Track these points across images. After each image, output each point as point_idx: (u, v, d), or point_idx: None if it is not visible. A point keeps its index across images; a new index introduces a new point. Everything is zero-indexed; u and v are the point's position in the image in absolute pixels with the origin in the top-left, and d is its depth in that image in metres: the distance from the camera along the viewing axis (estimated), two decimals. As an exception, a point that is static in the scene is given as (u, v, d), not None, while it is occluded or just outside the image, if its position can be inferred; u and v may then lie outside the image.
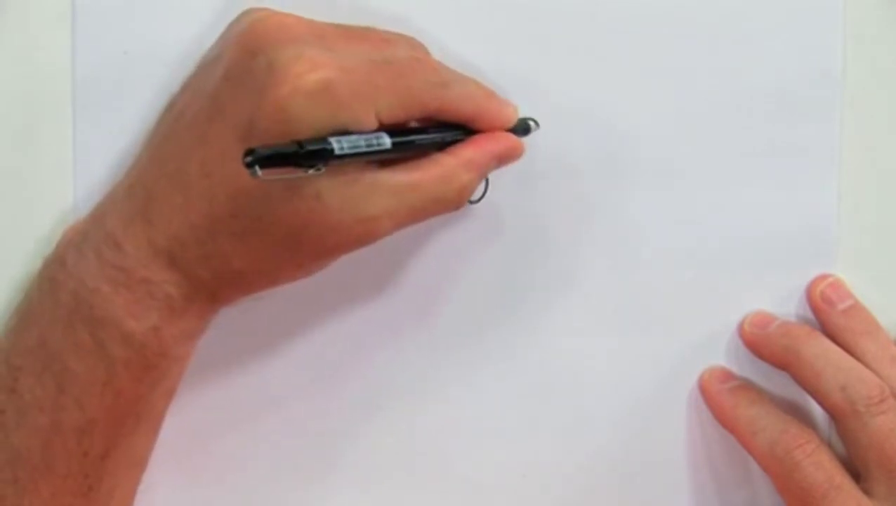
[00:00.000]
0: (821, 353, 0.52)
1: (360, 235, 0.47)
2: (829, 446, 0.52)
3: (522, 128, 0.52)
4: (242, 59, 0.46)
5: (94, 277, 0.47)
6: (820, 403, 0.52)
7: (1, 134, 0.53)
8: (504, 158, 0.50)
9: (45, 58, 0.52)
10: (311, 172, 0.44)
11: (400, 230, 0.48)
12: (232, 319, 0.52)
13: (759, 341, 0.54)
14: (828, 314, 0.54)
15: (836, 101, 0.54)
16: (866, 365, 0.52)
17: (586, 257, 0.54)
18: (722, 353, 0.55)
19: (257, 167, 0.42)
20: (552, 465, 0.55)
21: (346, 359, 0.54)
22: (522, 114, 0.52)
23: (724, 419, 0.53)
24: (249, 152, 0.42)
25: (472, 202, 0.53)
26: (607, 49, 0.54)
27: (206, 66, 0.50)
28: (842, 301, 0.54)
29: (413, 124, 0.49)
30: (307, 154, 0.44)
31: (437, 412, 0.54)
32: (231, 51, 0.47)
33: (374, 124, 0.46)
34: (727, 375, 0.54)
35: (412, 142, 0.48)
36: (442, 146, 0.49)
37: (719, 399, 0.54)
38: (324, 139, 0.44)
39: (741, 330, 0.54)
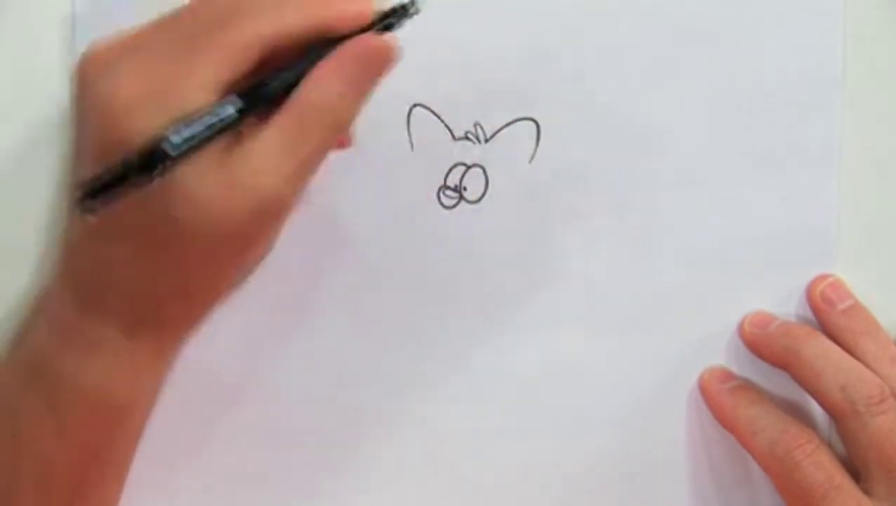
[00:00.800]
0: (821, 353, 0.52)
1: (259, 205, 0.44)
2: (829, 446, 0.52)
3: (404, 10, 0.47)
4: (77, 109, 0.47)
5: (41, 335, 0.48)
6: (820, 403, 0.52)
7: (1, 134, 0.53)
8: (373, 62, 0.45)
9: (45, 58, 0.52)
10: (155, 178, 0.42)
11: (304, 181, 0.45)
12: (231, 320, 0.52)
13: (759, 341, 0.54)
14: (828, 314, 0.54)
15: (836, 101, 0.54)
16: (866, 365, 0.52)
17: (586, 257, 0.54)
18: (722, 353, 0.55)
19: (92, 202, 0.41)
20: (552, 465, 0.55)
21: (344, 359, 0.54)
22: (523, 113, 0.52)
23: (724, 419, 0.53)
24: (83, 194, 0.41)
25: (472, 202, 0.54)
26: (607, 49, 0.54)
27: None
28: (842, 301, 0.54)
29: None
30: (142, 165, 0.41)
31: (437, 412, 0.54)
32: (72, 104, 0.48)
33: (212, 94, 0.43)
34: (727, 376, 0.54)
35: (265, 92, 0.44)
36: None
37: (719, 399, 0.54)
38: (153, 141, 0.42)
39: (741, 330, 0.54)
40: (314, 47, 0.45)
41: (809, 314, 0.54)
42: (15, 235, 0.53)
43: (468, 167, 0.54)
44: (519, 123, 0.54)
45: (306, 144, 0.44)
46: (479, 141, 0.54)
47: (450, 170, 0.53)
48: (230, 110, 0.43)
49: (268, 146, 0.44)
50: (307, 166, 0.45)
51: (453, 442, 0.55)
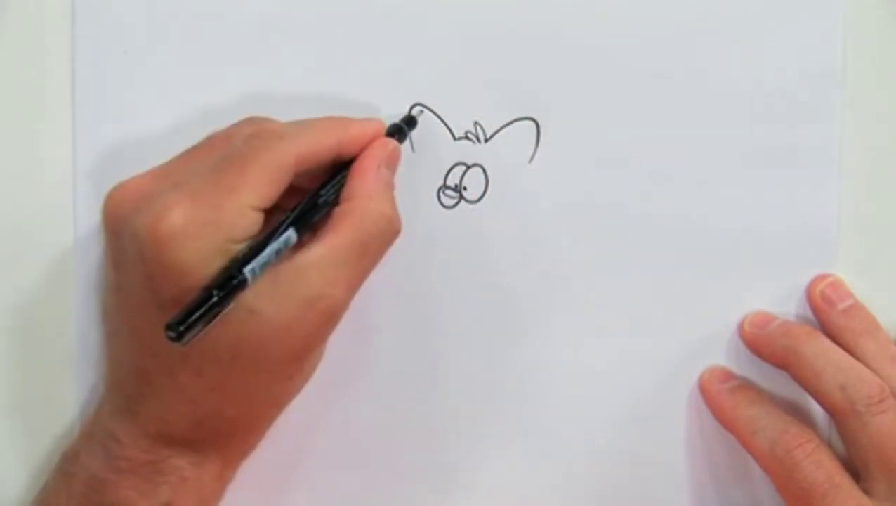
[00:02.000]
0: (821, 352, 0.52)
1: (318, 319, 0.46)
2: (829, 445, 0.52)
3: (407, 122, 0.52)
4: (115, 244, 0.48)
5: (103, 468, 0.48)
6: (820, 402, 0.52)
7: (1, 134, 0.53)
8: (391, 162, 0.50)
9: (45, 58, 0.52)
10: (230, 304, 0.44)
11: (358, 288, 0.48)
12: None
13: (759, 341, 0.54)
14: (828, 314, 0.54)
15: (836, 101, 0.54)
16: (866, 365, 0.52)
17: (586, 257, 0.54)
18: (722, 353, 0.55)
19: (185, 334, 0.43)
20: (552, 464, 0.55)
21: (342, 359, 0.54)
22: (523, 113, 0.52)
23: (724, 419, 0.53)
24: (170, 327, 0.42)
25: (472, 202, 0.54)
26: (607, 49, 0.54)
27: (106, 263, 0.51)
28: (842, 301, 0.54)
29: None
30: (222, 297, 0.44)
31: (436, 413, 0.54)
32: (107, 242, 0.50)
33: (253, 216, 0.46)
34: (727, 375, 0.54)
35: (310, 210, 0.48)
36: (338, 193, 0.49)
37: (719, 399, 0.54)
38: (229, 273, 0.44)
39: (741, 330, 0.54)
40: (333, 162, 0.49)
41: (809, 314, 0.54)
42: (15, 235, 0.53)
43: (468, 167, 0.54)
44: (519, 123, 0.54)
45: (362, 254, 0.47)
46: (479, 141, 0.54)
47: (450, 169, 0.53)
48: (292, 235, 0.47)
49: (330, 259, 0.46)
50: (361, 277, 0.48)
51: (452, 442, 0.54)
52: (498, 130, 0.54)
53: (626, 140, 0.54)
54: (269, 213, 0.47)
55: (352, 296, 0.47)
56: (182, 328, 0.43)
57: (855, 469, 0.51)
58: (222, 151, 0.48)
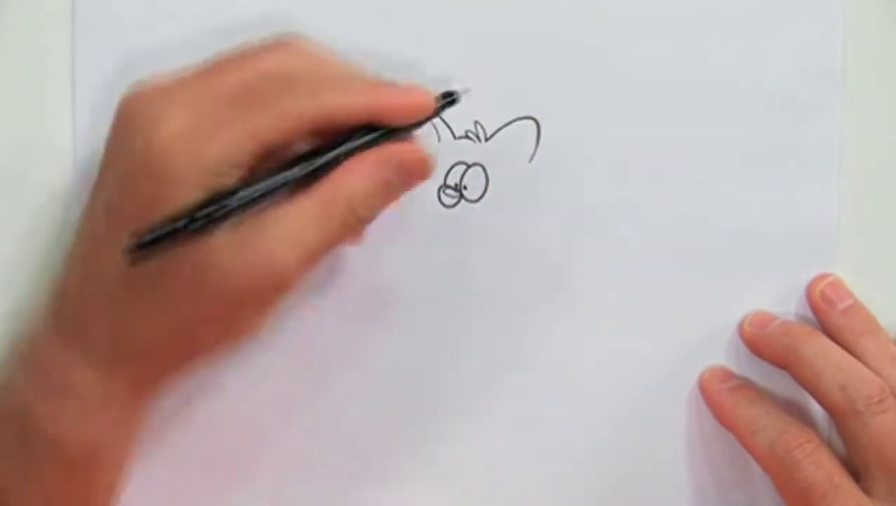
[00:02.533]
0: (821, 352, 0.52)
1: (264, 274, 0.44)
2: (829, 445, 0.52)
3: (448, 102, 0.48)
4: (112, 144, 0.47)
5: (20, 379, 0.48)
6: (820, 402, 0.52)
7: (1, 134, 0.53)
8: (408, 174, 0.47)
9: (45, 58, 0.52)
10: (201, 232, 0.43)
11: (316, 261, 0.45)
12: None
13: (759, 341, 0.54)
14: (828, 314, 0.54)
15: (836, 101, 0.54)
16: (866, 364, 0.52)
17: (585, 257, 0.54)
18: (722, 353, 0.55)
19: (139, 260, 0.42)
20: (552, 464, 0.55)
21: (341, 359, 0.54)
22: (523, 113, 0.52)
23: (724, 419, 0.53)
24: (132, 241, 0.42)
25: (472, 202, 0.54)
26: (607, 49, 0.54)
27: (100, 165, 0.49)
28: (841, 301, 0.54)
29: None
30: (196, 226, 0.43)
31: (435, 413, 0.54)
32: (108, 139, 0.48)
33: (244, 157, 0.44)
34: (727, 375, 0.54)
35: (318, 166, 0.46)
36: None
37: (719, 399, 0.54)
38: (210, 204, 0.43)
39: (741, 330, 0.54)
40: (359, 131, 0.46)
41: (809, 314, 0.54)
42: (15, 234, 0.53)
43: (468, 166, 0.54)
44: (519, 123, 0.54)
45: (324, 235, 0.45)
46: (479, 140, 0.54)
47: (450, 169, 0.53)
48: (280, 182, 0.45)
49: (289, 226, 0.44)
50: (318, 256, 0.45)
51: (451, 441, 0.54)
52: (498, 130, 0.54)
53: (626, 140, 0.54)
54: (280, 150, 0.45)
55: (297, 274, 0.45)
56: (140, 246, 0.42)
57: (855, 469, 0.51)
58: (245, 75, 0.45)
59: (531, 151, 0.54)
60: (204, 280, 0.44)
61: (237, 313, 0.46)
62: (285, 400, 0.54)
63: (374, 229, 0.53)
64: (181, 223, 0.43)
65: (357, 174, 0.46)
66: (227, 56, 0.47)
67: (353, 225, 0.46)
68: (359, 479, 0.54)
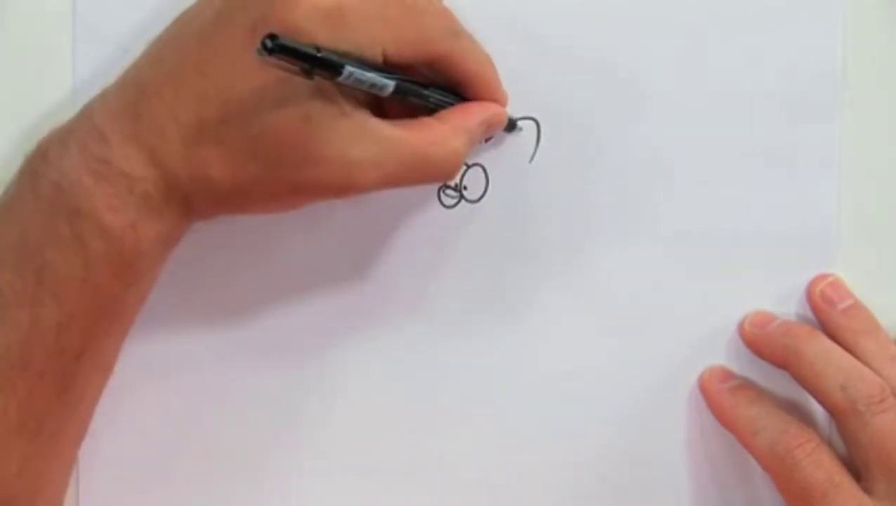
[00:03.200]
0: (821, 352, 0.52)
1: (340, 177, 0.46)
2: (830, 445, 0.52)
3: (511, 124, 0.53)
4: None
5: (77, 168, 0.47)
6: (820, 402, 0.52)
7: (2, 134, 0.53)
8: (492, 127, 0.51)
9: (45, 58, 0.52)
10: (315, 75, 0.43)
11: (385, 189, 0.47)
12: (229, 316, 0.52)
13: (760, 341, 0.54)
14: (828, 314, 0.54)
15: (836, 101, 0.54)
16: (866, 364, 0.52)
17: (586, 257, 0.54)
18: (722, 353, 0.55)
19: (274, 52, 0.42)
20: (551, 465, 0.55)
21: (340, 358, 0.54)
22: (523, 113, 0.52)
23: (724, 419, 0.53)
24: (271, 36, 0.41)
25: (472, 202, 0.54)
26: (607, 49, 0.54)
27: None
28: (842, 300, 0.54)
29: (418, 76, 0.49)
30: (319, 61, 0.43)
31: (435, 412, 0.54)
32: None
33: (378, 57, 0.46)
34: (727, 375, 0.54)
35: (413, 92, 0.48)
36: (434, 112, 0.49)
37: (719, 399, 0.54)
38: (339, 55, 0.44)
39: (741, 329, 0.54)
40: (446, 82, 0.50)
41: (809, 314, 0.54)
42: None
43: (468, 166, 0.54)
44: (519, 123, 0.54)
45: (413, 163, 0.48)
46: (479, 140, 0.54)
47: (450, 169, 0.53)
48: (390, 86, 0.46)
49: (383, 139, 0.47)
50: (395, 182, 0.48)
51: (452, 442, 0.54)
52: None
53: (626, 140, 0.54)
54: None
55: (377, 188, 0.47)
56: (276, 46, 0.42)
57: (855, 469, 0.51)
58: None
59: (531, 151, 0.54)
60: (291, 154, 0.46)
61: (300, 194, 0.47)
62: (284, 400, 0.54)
63: (374, 229, 0.53)
64: (312, 50, 0.43)
65: (463, 131, 0.49)
66: None
67: (443, 174, 0.49)
68: (358, 478, 0.54)
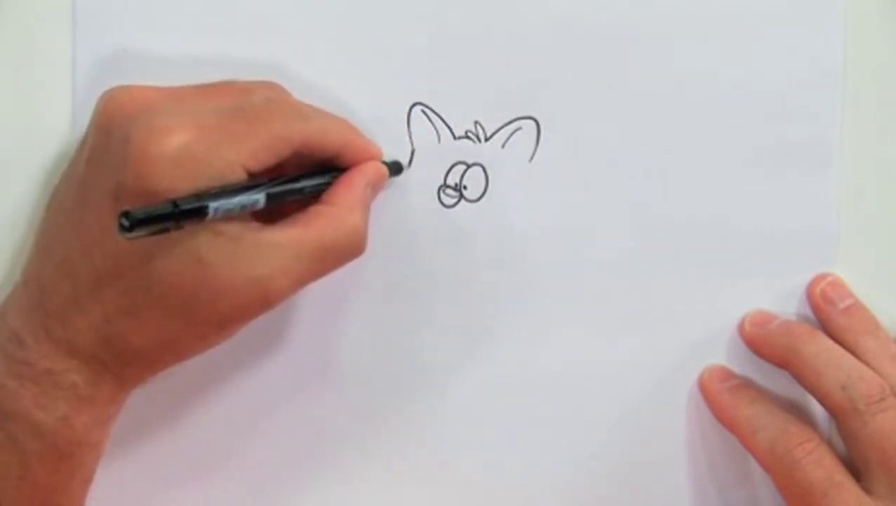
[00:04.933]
0: (821, 352, 0.52)
1: (256, 297, 0.46)
2: (830, 444, 0.52)
3: (395, 169, 0.52)
4: (100, 140, 0.47)
5: (1, 373, 0.47)
6: (820, 401, 0.52)
7: (1, 134, 0.53)
8: (378, 184, 0.51)
9: (45, 58, 0.52)
10: (184, 225, 0.44)
11: (304, 286, 0.48)
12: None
13: (760, 340, 0.54)
14: (828, 313, 0.54)
15: (836, 101, 0.54)
16: (867, 363, 0.52)
17: (586, 257, 0.54)
18: (722, 352, 0.55)
19: (134, 228, 0.42)
20: (551, 464, 0.55)
21: (339, 358, 0.54)
22: (523, 113, 0.51)
23: (723, 418, 0.53)
24: (125, 214, 0.42)
25: (472, 202, 0.54)
26: (607, 49, 0.54)
27: (75, 155, 0.50)
28: (842, 300, 0.54)
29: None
30: (181, 214, 0.43)
31: (435, 412, 0.54)
32: (91, 134, 0.48)
33: (242, 175, 0.46)
34: (727, 374, 0.54)
35: (286, 192, 0.48)
36: (318, 195, 0.49)
37: (719, 398, 0.54)
38: (198, 198, 0.44)
39: (741, 329, 0.54)
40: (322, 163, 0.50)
41: (810, 314, 0.54)
42: (16, 234, 0.53)
43: (468, 166, 0.54)
44: (519, 123, 0.54)
45: (320, 256, 0.48)
46: (479, 140, 0.54)
47: (450, 169, 0.53)
48: (261, 199, 0.46)
49: (293, 250, 0.47)
50: (311, 278, 0.48)
51: (452, 441, 0.54)
52: (498, 130, 0.54)
53: (626, 140, 0.54)
54: (256, 175, 0.47)
55: (293, 292, 0.47)
56: (136, 222, 0.42)
57: (855, 468, 0.51)
58: (238, 101, 0.48)
59: (531, 151, 0.54)
60: (199, 297, 0.46)
61: (225, 326, 0.47)
62: (281, 399, 0.54)
63: (374, 230, 0.53)
64: (174, 208, 0.43)
65: (355, 205, 0.49)
66: (218, 84, 0.49)
67: (355, 252, 0.49)
68: (357, 478, 0.54)
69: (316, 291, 0.53)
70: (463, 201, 0.54)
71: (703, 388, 0.54)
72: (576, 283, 0.54)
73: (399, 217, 0.53)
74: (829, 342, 0.52)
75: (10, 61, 0.52)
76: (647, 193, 0.54)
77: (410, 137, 0.53)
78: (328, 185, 0.49)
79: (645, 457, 0.55)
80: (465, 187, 0.54)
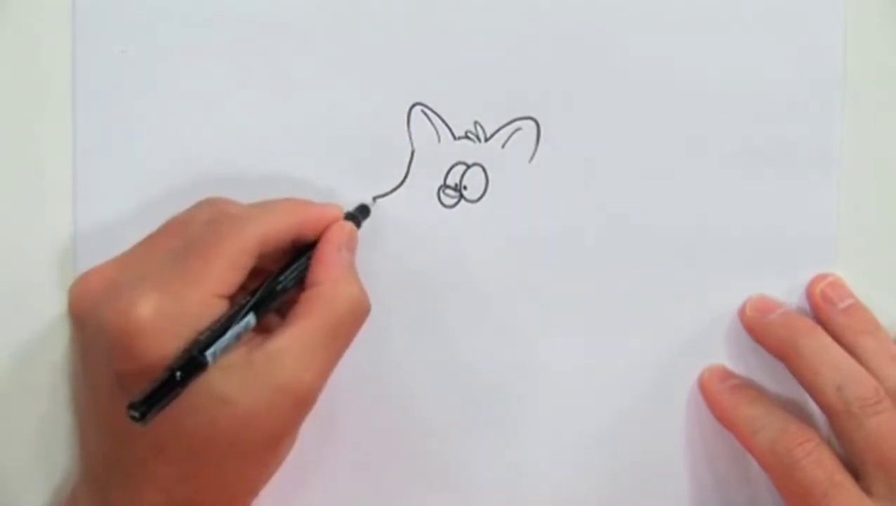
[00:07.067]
0: (819, 349, 0.52)
1: (291, 404, 0.46)
2: (830, 444, 0.52)
3: (361, 213, 0.52)
4: (81, 335, 0.48)
5: None
6: (815, 399, 0.52)
7: (1, 133, 0.53)
8: (353, 240, 0.51)
9: (45, 58, 0.52)
10: (192, 383, 0.44)
11: (332, 369, 0.48)
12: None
13: (760, 328, 0.54)
14: (828, 313, 0.54)
15: (836, 101, 0.54)
16: (866, 363, 0.52)
17: (585, 257, 0.54)
18: (722, 352, 0.55)
19: (147, 414, 0.42)
20: (552, 465, 0.55)
21: (341, 360, 0.54)
22: (523, 113, 0.51)
23: (723, 418, 0.53)
24: (131, 407, 0.42)
25: (472, 201, 0.54)
26: (607, 49, 0.54)
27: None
28: (842, 300, 0.54)
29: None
30: (184, 377, 0.44)
31: (435, 412, 0.54)
32: (75, 330, 0.49)
33: (221, 303, 0.46)
34: (727, 374, 0.54)
35: (270, 297, 0.48)
36: (301, 278, 0.49)
37: (719, 398, 0.54)
38: (191, 353, 0.44)
39: (742, 313, 0.54)
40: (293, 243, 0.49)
41: (809, 313, 0.54)
42: (15, 234, 0.53)
43: (468, 166, 0.54)
44: (519, 123, 0.54)
45: (333, 336, 0.48)
46: (479, 140, 0.54)
47: (450, 169, 0.54)
48: (251, 319, 0.47)
49: (303, 344, 0.46)
50: (334, 359, 0.48)
51: (451, 440, 0.54)
52: (498, 130, 0.54)
53: (625, 140, 0.54)
54: (233, 295, 0.47)
55: (325, 379, 0.47)
56: (144, 408, 0.42)
57: (854, 469, 0.51)
58: (183, 238, 0.47)
59: (531, 151, 0.54)
60: (240, 433, 0.46)
61: (279, 444, 0.48)
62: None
63: (374, 230, 0.53)
64: (174, 376, 0.43)
65: (340, 274, 0.49)
66: (159, 228, 0.49)
67: (360, 324, 0.49)
68: (358, 478, 0.54)
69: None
70: (463, 202, 0.54)
71: (703, 388, 0.54)
72: (576, 283, 0.54)
73: (399, 217, 0.53)
74: (828, 340, 0.52)
75: (10, 61, 0.52)
76: (647, 194, 0.54)
77: (410, 138, 0.53)
78: (306, 267, 0.49)
79: (645, 457, 0.55)
80: (465, 188, 0.54)
